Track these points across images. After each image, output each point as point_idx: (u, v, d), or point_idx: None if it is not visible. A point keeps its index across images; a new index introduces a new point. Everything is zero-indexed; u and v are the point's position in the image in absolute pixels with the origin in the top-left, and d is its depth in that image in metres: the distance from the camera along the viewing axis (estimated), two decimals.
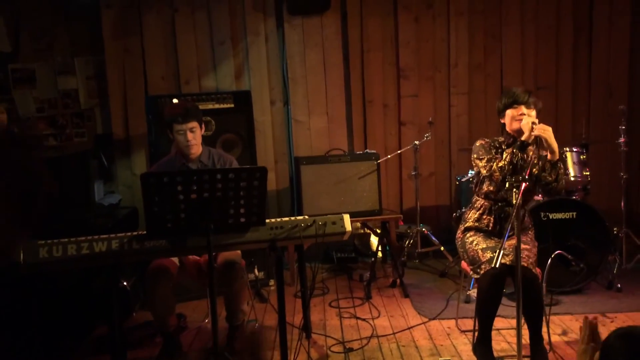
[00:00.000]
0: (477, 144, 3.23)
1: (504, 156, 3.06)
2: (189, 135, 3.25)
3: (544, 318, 3.04)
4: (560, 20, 5.36)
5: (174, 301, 3.31)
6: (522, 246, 2.94)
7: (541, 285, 3.03)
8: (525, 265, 2.91)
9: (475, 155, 3.20)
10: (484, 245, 3.09)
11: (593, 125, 5.27)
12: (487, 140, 3.25)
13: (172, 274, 3.24)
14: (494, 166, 3.08)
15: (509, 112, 3.14)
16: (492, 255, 2.99)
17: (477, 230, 3.23)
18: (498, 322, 3.55)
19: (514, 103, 3.13)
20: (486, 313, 3.04)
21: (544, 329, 3.13)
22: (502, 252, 2.75)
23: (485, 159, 3.15)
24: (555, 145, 3.01)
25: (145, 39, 5.13)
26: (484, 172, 3.15)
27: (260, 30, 5.22)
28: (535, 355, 2.98)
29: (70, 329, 3.59)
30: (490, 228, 3.20)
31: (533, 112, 3.11)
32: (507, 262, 2.92)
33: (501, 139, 3.24)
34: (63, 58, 5.20)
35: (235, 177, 2.68)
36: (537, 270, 3.09)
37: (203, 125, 3.38)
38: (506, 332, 3.50)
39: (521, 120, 3.06)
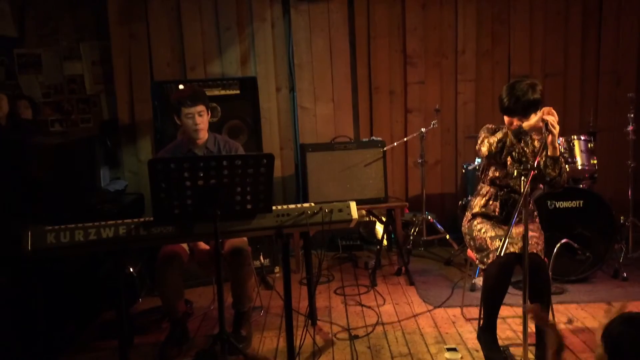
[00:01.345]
0: (485, 126, 3.23)
1: (498, 133, 3.04)
2: (197, 119, 3.25)
3: (550, 306, 3.04)
4: (569, 7, 5.30)
5: (183, 287, 3.33)
6: (530, 233, 2.93)
7: (548, 272, 3.03)
8: (535, 251, 2.91)
9: (479, 136, 3.19)
10: (493, 234, 3.07)
11: (601, 113, 5.23)
12: (493, 126, 3.23)
13: (183, 260, 3.25)
14: (486, 140, 3.06)
15: (505, 118, 3.12)
16: (499, 243, 2.98)
17: (484, 216, 3.21)
18: (504, 310, 3.54)
19: (506, 114, 3.08)
20: (492, 301, 3.03)
21: (550, 318, 3.14)
22: (507, 240, 2.77)
23: (483, 136, 3.14)
24: (557, 133, 2.91)
25: (151, 24, 5.11)
26: (478, 147, 3.13)
27: (266, 16, 5.19)
28: (540, 343, 2.98)
29: (77, 314, 3.62)
30: (496, 214, 3.18)
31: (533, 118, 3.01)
32: (516, 251, 2.91)
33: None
34: (68, 43, 5.19)
35: (242, 164, 2.68)
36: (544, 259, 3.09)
37: (210, 111, 3.37)
38: (512, 321, 3.50)
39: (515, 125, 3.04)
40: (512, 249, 2.89)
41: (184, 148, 3.37)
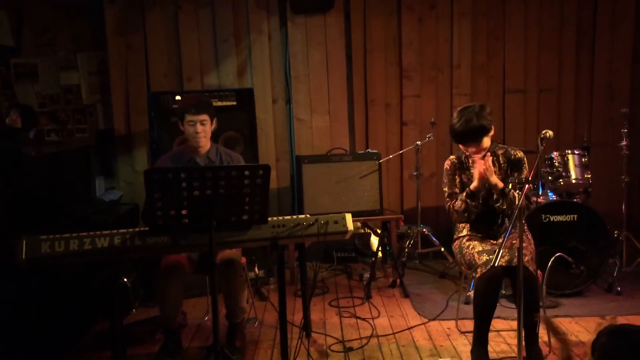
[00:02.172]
0: (444, 166, 3.32)
1: (459, 204, 3.16)
2: (199, 127, 3.28)
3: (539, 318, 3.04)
4: (564, 23, 5.36)
5: (182, 298, 3.33)
6: (516, 243, 2.95)
7: (539, 284, 3.03)
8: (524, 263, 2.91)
9: (443, 180, 3.32)
10: (480, 249, 3.12)
11: (595, 128, 5.27)
12: (452, 159, 3.31)
13: (186, 271, 3.25)
14: (451, 208, 3.21)
15: (460, 146, 3.19)
16: (487, 258, 3.03)
17: (472, 235, 3.25)
18: (497, 324, 3.56)
19: (458, 142, 3.17)
20: (483, 315, 3.05)
21: (544, 331, 3.14)
22: (501, 251, 2.81)
23: (447, 187, 3.28)
24: (493, 181, 3.08)
25: (148, 35, 5.13)
26: (448, 205, 3.26)
27: (263, 28, 5.22)
28: (531, 356, 2.99)
29: (70, 324, 3.59)
30: (484, 230, 3.22)
31: (482, 142, 3.10)
32: (503, 264, 2.94)
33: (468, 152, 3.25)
34: (65, 53, 5.20)
35: (239, 175, 2.68)
36: (538, 273, 3.11)
37: (214, 122, 3.39)
38: (506, 334, 3.50)
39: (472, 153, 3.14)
40: (499, 262, 2.93)
41: (187, 156, 3.39)
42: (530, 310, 2.93)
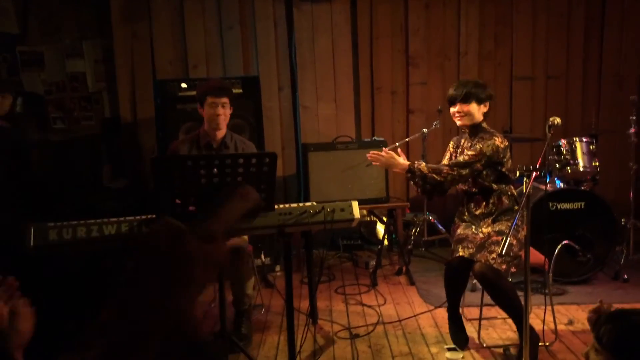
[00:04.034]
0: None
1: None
2: (220, 109, 3.33)
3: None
4: (572, 9, 5.30)
5: None
6: (495, 239, 2.96)
7: (503, 286, 2.93)
8: (484, 262, 2.88)
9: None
10: (456, 237, 3.14)
11: (603, 115, 5.23)
12: (453, 140, 3.37)
13: None
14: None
15: (451, 109, 3.19)
16: (454, 247, 3.08)
17: (456, 221, 3.30)
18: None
19: (450, 104, 3.17)
20: (448, 296, 3.22)
21: (550, 318, 3.16)
22: (463, 244, 2.98)
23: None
24: (391, 166, 3.15)
25: (154, 23, 5.11)
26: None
27: (269, 15, 5.19)
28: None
29: (77, 311, 3.61)
30: (462, 216, 3.25)
31: (470, 106, 3.10)
32: (465, 255, 2.96)
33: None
34: (71, 41, 5.19)
35: (245, 163, 2.68)
36: (545, 260, 3.12)
37: (231, 107, 3.43)
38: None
39: (457, 118, 3.15)
40: (461, 253, 2.97)
41: (203, 140, 3.43)
42: (508, 306, 2.95)
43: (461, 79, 3.25)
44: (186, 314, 0.77)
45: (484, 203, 3.13)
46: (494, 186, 3.09)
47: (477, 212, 3.14)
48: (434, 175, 3.02)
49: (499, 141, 3.05)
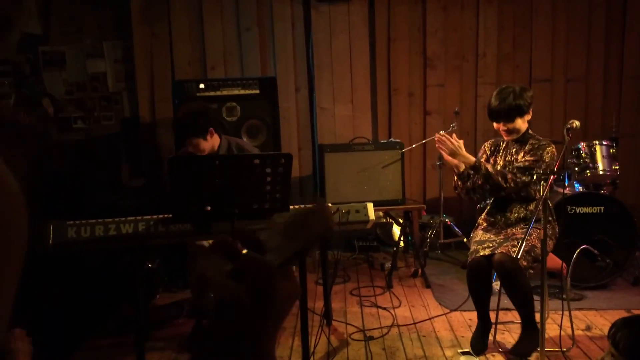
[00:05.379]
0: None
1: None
2: (193, 149, 3.26)
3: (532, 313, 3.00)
4: (593, 10, 5.24)
5: None
6: (520, 237, 2.92)
7: (520, 279, 2.89)
8: (505, 252, 2.86)
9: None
10: (478, 238, 3.13)
11: (623, 118, 5.17)
12: (489, 142, 3.32)
13: None
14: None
15: (494, 124, 3.14)
16: (475, 248, 3.04)
17: (481, 224, 3.26)
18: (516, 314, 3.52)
19: (491, 116, 3.12)
20: (474, 301, 3.13)
21: (567, 324, 3.13)
22: (486, 244, 2.96)
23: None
24: (456, 155, 3.09)
25: (173, 24, 5.16)
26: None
27: (286, 16, 5.21)
28: (522, 339, 3.03)
29: (95, 309, 3.66)
30: (494, 219, 3.19)
31: (515, 123, 3.05)
32: (486, 253, 2.94)
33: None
34: (92, 41, 5.26)
35: (261, 163, 2.69)
36: (563, 265, 3.09)
37: (209, 136, 3.27)
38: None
39: (503, 134, 3.11)
40: (482, 253, 2.94)
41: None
42: (521, 303, 2.93)
43: (501, 86, 3.15)
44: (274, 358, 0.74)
45: (522, 208, 3.10)
46: (538, 195, 3.04)
47: (513, 218, 3.10)
48: (499, 178, 2.97)
49: (554, 149, 3.04)
